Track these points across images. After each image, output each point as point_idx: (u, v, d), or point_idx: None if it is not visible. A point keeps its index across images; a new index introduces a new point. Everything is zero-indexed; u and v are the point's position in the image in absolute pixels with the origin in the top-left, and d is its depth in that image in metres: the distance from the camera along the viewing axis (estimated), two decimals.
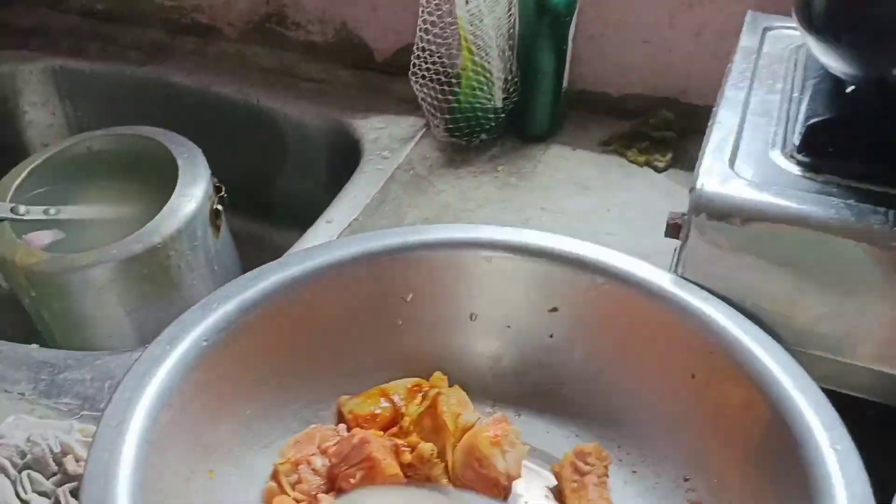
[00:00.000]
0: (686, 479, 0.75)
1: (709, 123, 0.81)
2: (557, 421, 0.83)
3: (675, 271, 0.79)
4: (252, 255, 1.29)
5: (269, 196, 1.48)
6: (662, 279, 0.77)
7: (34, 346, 0.92)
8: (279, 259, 0.81)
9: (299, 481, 0.74)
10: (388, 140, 1.24)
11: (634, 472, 0.78)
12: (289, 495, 0.73)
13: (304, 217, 1.44)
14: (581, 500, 0.75)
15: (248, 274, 0.77)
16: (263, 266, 0.78)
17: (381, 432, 0.78)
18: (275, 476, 0.74)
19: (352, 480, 0.73)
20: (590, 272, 0.79)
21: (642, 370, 0.79)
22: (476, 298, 0.83)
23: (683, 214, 0.76)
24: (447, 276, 0.82)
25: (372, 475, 0.73)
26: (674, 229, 0.79)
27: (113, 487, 0.59)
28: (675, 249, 0.82)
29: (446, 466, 0.76)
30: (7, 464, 0.73)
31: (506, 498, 0.77)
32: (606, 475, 0.76)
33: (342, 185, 1.18)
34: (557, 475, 0.78)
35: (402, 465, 0.75)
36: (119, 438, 0.62)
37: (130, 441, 0.62)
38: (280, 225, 1.47)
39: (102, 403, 0.82)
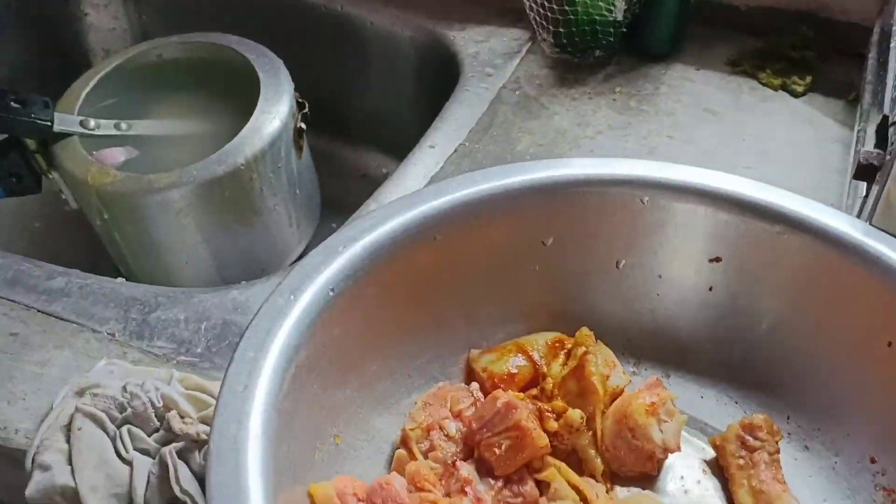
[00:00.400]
0: (874, 461, 0.65)
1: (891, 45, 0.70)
2: (714, 385, 0.73)
3: (865, 219, 0.68)
4: (327, 176, 1.21)
5: (348, 113, 1.35)
6: (852, 228, 0.65)
7: (121, 280, 0.84)
8: (406, 195, 0.70)
9: (431, 448, 0.65)
10: (489, 55, 1.10)
11: (807, 447, 0.69)
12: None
13: (386, 138, 1.33)
14: (750, 480, 0.65)
15: (373, 213, 0.67)
16: (388, 204, 0.68)
17: (522, 394, 0.68)
18: (404, 442, 0.66)
19: (496, 451, 0.63)
20: (764, 218, 0.67)
21: (823, 333, 0.68)
22: (624, 244, 0.72)
23: (880, 152, 0.65)
24: (593, 218, 0.71)
25: (520, 446, 0.63)
26: (867, 171, 0.68)
27: (244, 466, 0.50)
28: (862, 194, 0.72)
29: (594, 435, 0.67)
30: (104, 417, 0.64)
31: (658, 472, 0.69)
32: (778, 452, 0.67)
33: (433, 104, 1.06)
34: (719, 449, 0.68)
35: (548, 433, 0.66)
36: (246, 406, 0.53)
37: (258, 409, 0.53)
38: (357, 144, 1.36)
39: (199, 347, 0.74)
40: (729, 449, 0.67)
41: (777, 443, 0.67)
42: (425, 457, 0.65)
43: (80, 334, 0.75)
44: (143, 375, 0.69)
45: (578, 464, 0.67)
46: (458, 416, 0.68)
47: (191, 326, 0.76)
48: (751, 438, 0.66)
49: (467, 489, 0.62)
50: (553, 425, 0.66)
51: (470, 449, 0.66)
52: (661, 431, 0.66)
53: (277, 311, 0.59)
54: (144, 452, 0.64)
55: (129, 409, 0.65)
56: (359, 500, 0.58)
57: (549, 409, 0.67)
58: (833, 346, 0.68)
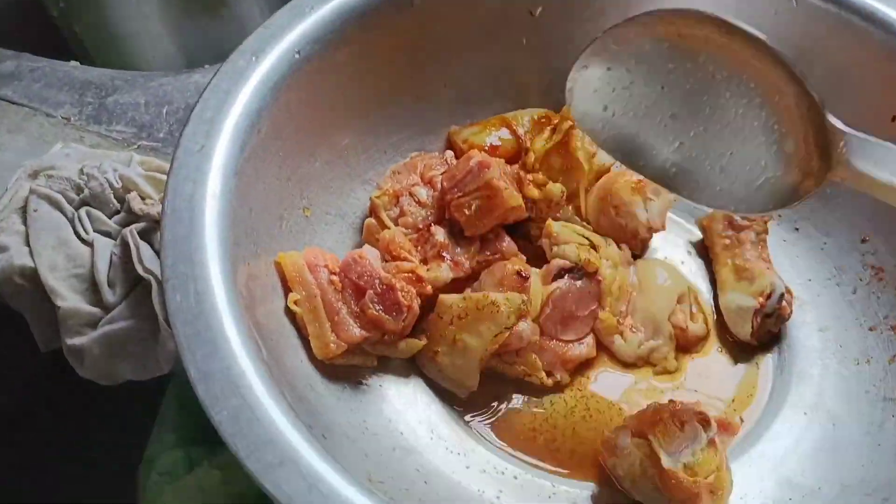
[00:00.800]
0: (864, 241, 0.63)
1: None
2: None
3: None
4: None
5: None
6: None
7: (74, 63, 0.79)
8: None
9: (402, 214, 0.63)
10: None
11: (797, 228, 0.67)
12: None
13: None
14: (734, 259, 0.63)
15: None
16: None
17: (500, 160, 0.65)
18: (373, 211, 0.63)
19: (466, 211, 0.60)
20: None
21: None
22: (619, 12, 0.66)
23: None
24: None
25: (490, 206, 0.60)
26: None
27: (200, 225, 0.47)
28: None
29: (578, 209, 0.64)
30: (61, 199, 0.62)
31: (642, 251, 0.67)
32: (766, 232, 0.64)
33: None
34: (706, 229, 0.66)
35: (526, 202, 0.62)
36: (203, 166, 0.50)
37: (216, 169, 0.50)
38: None
39: (162, 132, 0.70)
40: (715, 228, 0.65)
41: (765, 222, 0.64)
42: (395, 224, 0.62)
43: (33, 118, 0.72)
44: (101, 158, 0.65)
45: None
46: (429, 182, 0.64)
47: (151, 111, 0.72)
48: (738, 218, 0.64)
49: (444, 254, 0.61)
50: (534, 192, 0.63)
51: (441, 211, 0.63)
52: (647, 210, 0.64)
53: (238, 73, 0.54)
54: (105, 234, 0.62)
55: (87, 191, 0.63)
56: (330, 272, 0.56)
57: (531, 179, 0.64)
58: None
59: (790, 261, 0.66)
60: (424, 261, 0.60)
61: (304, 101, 0.58)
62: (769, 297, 0.60)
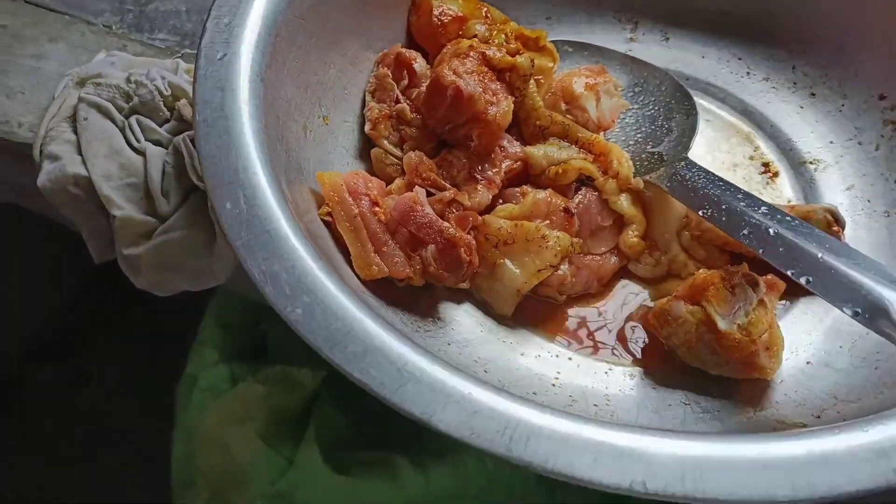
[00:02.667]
0: (883, 97, 0.64)
1: None
2: (715, 43, 0.70)
3: None
4: None
5: None
6: None
7: None
8: None
9: (402, 140, 0.59)
10: None
11: (813, 94, 0.67)
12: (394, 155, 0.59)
13: None
14: None
15: None
16: None
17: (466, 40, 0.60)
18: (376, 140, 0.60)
19: (471, 143, 0.58)
20: None
21: None
22: None
23: None
24: None
25: (488, 133, 0.57)
26: None
27: (237, 132, 0.46)
28: None
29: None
30: (111, 107, 0.60)
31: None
32: None
33: None
34: None
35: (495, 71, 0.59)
36: (228, 74, 0.48)
37: (243, 76, 0.49)
38: None
39: None
40: None
41: None
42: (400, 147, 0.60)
43: (74, 27, 0.70)
44: (147, 65, 0.64)
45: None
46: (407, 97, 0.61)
47: (193, 18, 0.71)
48: None
49: (475, 175, 0.58)
50: (508, 60, 0.59)
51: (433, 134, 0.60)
52: (598, 108, 0.62)
53: None
54: (156, 143, 0.61)
55: (136, 98, 0.62)
56: (373, 201, 0.53)
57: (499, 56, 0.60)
58: None
59: (810, 126, 0.66)
60: (456, 185, 0.57)
61: (313, 5, 0.56)
62: None
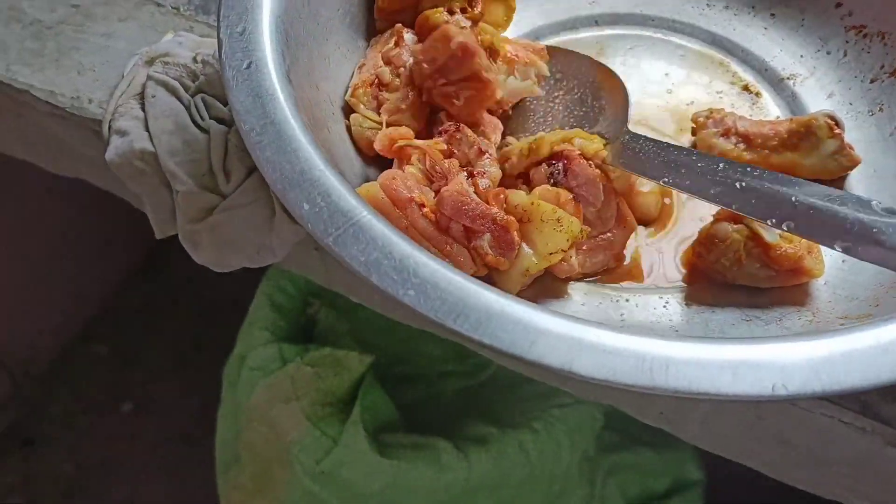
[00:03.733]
0: (839, 5, 0.65)
1: None
2: None
3: None
4: None
5: None
6: None
7: None
8: None
9: (379, 104, 0.58)
10: None
11: (773, 14, 0.68)
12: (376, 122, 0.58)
13: None
14: None
15: None
16: None
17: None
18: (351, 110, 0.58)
19: (455, 102, 0.56)
20: None
21: None
22: None
23: None
24: None
25: (480, 98, 0.57)
26: None
27: (290, 134, 0.46)
28: None
29: None
30: (177, 85, 0.59)
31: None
32: None
33: None
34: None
35: None
36: (261, 80, 0.48)
37: (275, 81, 0.49)
38: None
39: None
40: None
41: None
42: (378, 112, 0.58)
43: (144, 7, 0.69)
44: (213, 46, 0.62)
45: None
46: (389, 62, 0.60)
47: None
48: None
49: (484, 150, 0.56)
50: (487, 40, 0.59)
51: (420, 93, 0.58)
52: (506, 83, 0.60)
53: None
54: (220, 122, 0.59)
55: (202, 77, 0.60)
56: (420, 205, 0.50)
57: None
58: None
59: (778, 45, 0.67)
60: (469, 163, 0.55)
61: (305, 2, 0.55)
62: None
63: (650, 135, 0.57)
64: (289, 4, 0.52)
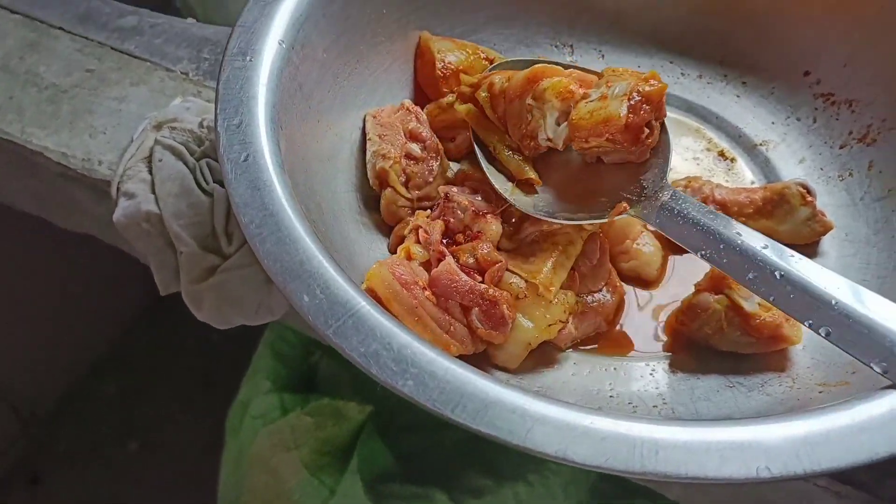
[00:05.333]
0: (807, 74, 0.67)
1: None
2: (647, 52, 0.73)
3: None
4: None
5: None
6: None
7: (191, 20, 0.77)
8: None
9: (409, 179, 0.61)
10: None
11: (744, 83, 0.70)
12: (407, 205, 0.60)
13: None
14: None
15: None
16: None
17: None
18: (383, 180, 0.60)
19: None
20: None
21: None
22: None
23: None
24: None
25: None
26: None
27: (289, 225, 0.46)
28: None
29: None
30: (184, 150, 0.62)
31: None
32: None
33: None
34: None
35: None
36: (259, 173, 0.49)
37: (272, 173, 0.49)
38: None
39: None
40: None
41: None
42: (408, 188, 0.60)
43: (155, 72, 0.71)
44: None
45: None
46: (413, 135, 0.62)
47: None
48: None
49: (483, 212, 0.57)
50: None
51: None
52: (556, 124, 0.58)
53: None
54: (223, 185, 0.57)
55: (207, 143, 0.62)
56: (423, 287, 0.51)
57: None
58: None
59: (751, 112, 0.69)
60: (467, 227, 0.56)
61: (298, 88, 0.56)
62: None
63: None
64: (283, 93, 0.53)
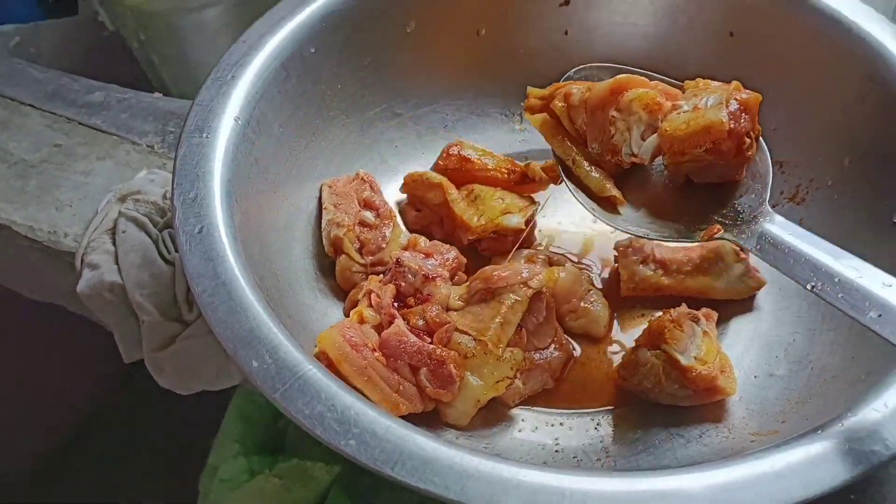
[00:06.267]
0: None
1: None
2: None
3: None
4: None
5: None
6: None
7: (157, 94, 0.80)
8: None
9: (363, 245, 0.63)
10: None
11: None
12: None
13: None
14: None
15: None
16: None
17: None
18: (338, 248, 0.63)
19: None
20: None
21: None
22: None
23: None
24: None
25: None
26: None
27: (240, 294, 0.48)
28: None
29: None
30: (147, 221, 0.63)
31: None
32: None
33: None
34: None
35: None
36: (212, 244, 0.51)
37: (226, 245, 0.51)
38: None
39: None
40: None
41: None
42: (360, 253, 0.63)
43: (121, 146, 0.74)
44: None
45: None
46: (368, 205, 0.65)
47: None
48: None
49: (433, 276, 0.59)
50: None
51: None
52: (643, 138, 0.55)
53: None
54: None
55: (170, 214, 0.63)
56: (372, 349, 0.53)
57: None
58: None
59: None
60: (417, 290, 0.58)
61: (255, 161, 0.59)
62: None
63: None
64: (239, 167, 0.55)
